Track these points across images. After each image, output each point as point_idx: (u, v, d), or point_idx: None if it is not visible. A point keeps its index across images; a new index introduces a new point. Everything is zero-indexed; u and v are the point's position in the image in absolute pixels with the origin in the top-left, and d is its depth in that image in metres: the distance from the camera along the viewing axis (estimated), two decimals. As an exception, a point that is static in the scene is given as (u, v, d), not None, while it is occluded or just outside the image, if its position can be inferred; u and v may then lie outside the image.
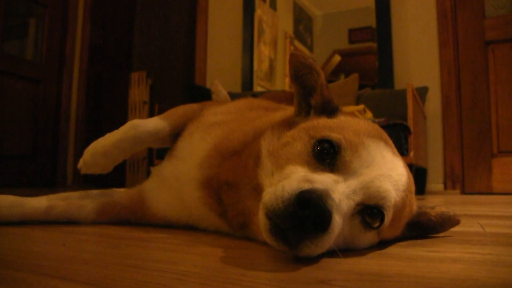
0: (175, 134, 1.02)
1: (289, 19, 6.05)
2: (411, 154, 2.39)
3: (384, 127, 2.45)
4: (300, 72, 0.77)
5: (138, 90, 3.86)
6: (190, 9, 4.52)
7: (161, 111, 1.11)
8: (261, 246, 0.70)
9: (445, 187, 3.35)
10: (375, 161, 0.65)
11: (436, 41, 3.48)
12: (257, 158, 0.76)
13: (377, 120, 2.47)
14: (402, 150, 2.34)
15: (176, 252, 0.66)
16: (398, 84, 3.55)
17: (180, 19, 4.52)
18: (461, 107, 3.41)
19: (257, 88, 4.50)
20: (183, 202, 0.92)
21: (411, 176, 0.73)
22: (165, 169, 0.99)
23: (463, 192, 3.33)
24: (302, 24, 6.47)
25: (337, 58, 5.95)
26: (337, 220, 0.58)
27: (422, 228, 0.80)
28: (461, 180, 3.33)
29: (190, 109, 1.06)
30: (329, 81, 6.27)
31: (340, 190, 0.60)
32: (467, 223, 1.09)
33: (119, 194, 1.11)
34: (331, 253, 0.59)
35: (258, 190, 0.71)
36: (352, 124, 0.72)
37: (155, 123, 1.00)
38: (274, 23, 5.24)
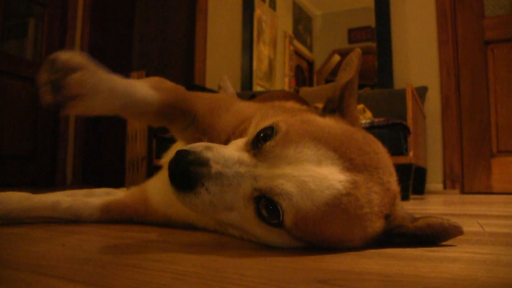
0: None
1: (289, 18, 6.05)
2: (411, 154, 2.39)
3: (383, 127, 2.46)
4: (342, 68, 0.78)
5: (138, 90, 3.84)
6: (189, 9, 4.52)
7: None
8: (261, 246, 0.70)
9: (445, 187, 3.35)
10: (300, 163, 0.60)
11: (436, 41, 3.48)
12: None
13: (376, 119, 2.47)
14: (401, 150, 2.34)
15: (176, 252, 0.66)
16: (398, 84, 3.55)
17: (179, 19, 4.52)
18: (461, 106, 3.41)
19: (257, 88, 4.50)
20: None
21: (363, 199, 0.61)
22: None
23: (463, 191, 3.33)
24: (302, 24, 6.46)
25: (336, 58, 5.95)
26: (210, 187, 0.61)
27: (411, 237, 0.70)
28: (460, 180, 3.34)
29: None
30: (329, 81, 6.27)
31: (238, 169, 0.62)
32: (467, 222, 1.09)
33: (123, 192, 1.12)
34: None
35: None
36: (320, 127, 0.65)
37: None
38: (273, 23, 5.24)
